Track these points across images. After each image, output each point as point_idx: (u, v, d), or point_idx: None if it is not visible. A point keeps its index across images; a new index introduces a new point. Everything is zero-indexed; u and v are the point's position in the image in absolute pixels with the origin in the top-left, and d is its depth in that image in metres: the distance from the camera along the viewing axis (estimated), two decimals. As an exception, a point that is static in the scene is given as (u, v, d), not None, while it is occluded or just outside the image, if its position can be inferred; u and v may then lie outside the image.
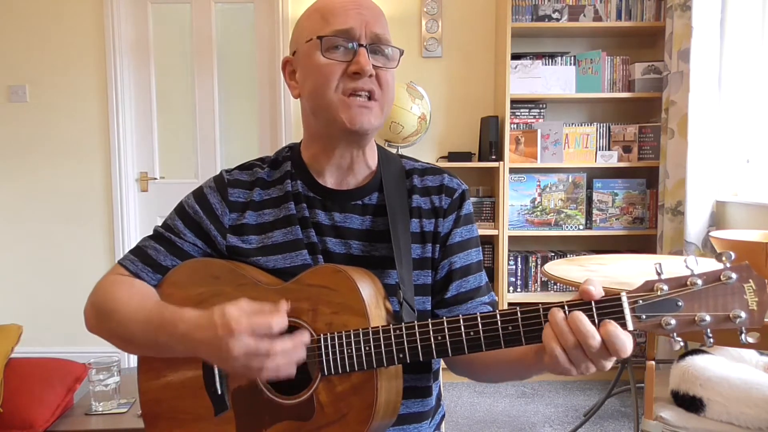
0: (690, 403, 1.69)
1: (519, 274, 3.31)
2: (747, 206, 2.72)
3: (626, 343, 0.71)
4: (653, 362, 1.72)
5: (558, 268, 2.33)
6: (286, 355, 0.81)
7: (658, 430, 1.68)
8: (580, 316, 0.72)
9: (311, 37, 0.95)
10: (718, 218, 2.90)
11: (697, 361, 1.74)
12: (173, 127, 3.62)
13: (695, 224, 2.87)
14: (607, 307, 0.74)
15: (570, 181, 3.27)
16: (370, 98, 0.94)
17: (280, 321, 0.81)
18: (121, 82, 3.45)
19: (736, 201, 2.81)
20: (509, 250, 3.23)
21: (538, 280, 3.31)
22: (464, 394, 3.10)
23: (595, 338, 0.71)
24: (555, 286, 3.30)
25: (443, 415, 1.14)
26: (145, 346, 0.96)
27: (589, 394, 3.09)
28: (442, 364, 1.12)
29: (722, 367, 1.71)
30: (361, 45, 0.93)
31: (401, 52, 0.99)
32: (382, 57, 0.96)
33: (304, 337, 0.84)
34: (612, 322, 0.72)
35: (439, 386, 1.13)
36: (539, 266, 3.29)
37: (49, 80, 3.44)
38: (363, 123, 0.93)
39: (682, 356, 1.80)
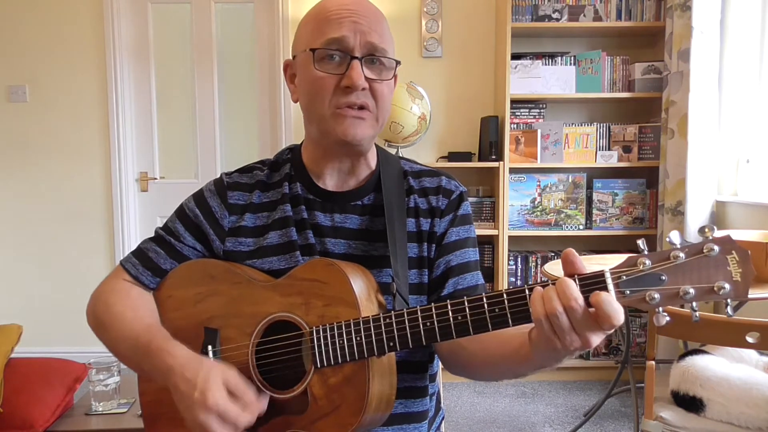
0: (690, 403, 1.69)
1: (519, 274, 3.30)
2: (747, 206, 2.73)
3: (619, 310, 0.70)
4: (653, 362, 1.72)
5: (558, 268, 2.33)
6: None
7: (658, 430, 1.68)
8: (568, 281, 0.72)
9: (306, 48, 0.95)
10: (718, 218, 2.90)
11: (697, 361, 1.74)
12: (173, 127, 3.62)
13: (695, 224, 2.87)
14: (591, 284, 0.73)
15: (570, 181, 3.27)
16: (363, 109, 0.93)
17: (250, 420, 0.84)
18: (121, 82, 3.45)
19: (736, 201, 2.81)
20: (509, 250, 3.23)
21: (538, 280, 3.31)
22: (464, 394, 3.10)
23: (578, 301, 0.70)
24: (555, 286, 3.29)
25: (443, 416, 1.14)
26: (130, 365, 0.99)
27: (589, 394, 3.09)
28: (441, 365, 1.12)
29: (722, 367, 1.71)
30: (354, 57, 0.91)
31: (398, 63, 0.97)
32: (378, 68, 0.94)
33: None
34: (602, 292, 0.71)
35: (439, 389, 1.13)
36: (539, 266, 3.28)
37: (49, 80, 3.45)
38: (356, 134, 0.93)
39: (682, 356, 1.80)
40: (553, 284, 0.74)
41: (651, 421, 1.69)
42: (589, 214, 3.29)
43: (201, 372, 0.84)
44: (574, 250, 0.76)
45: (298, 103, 1.00)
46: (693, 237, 2.87)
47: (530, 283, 0.78)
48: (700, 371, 1.70)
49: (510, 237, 3.22)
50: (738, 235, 2.29)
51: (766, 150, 2.72)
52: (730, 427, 1.63)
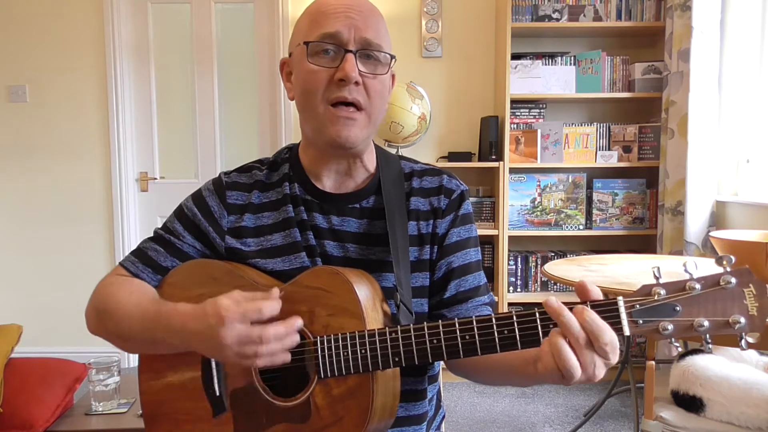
0: (690, 403, 1.69)
1: (519, 274, 3.30)
2: (747, 206, 2.72)
3: (603, 328, 0.70)
4: (653, 362, 1.72)
5: (558, 268, 2.33)
6: (280, 340, 0.81)
7: (658, 430, 1.68)
8: (590, 312, 0.71)
9: (300, 42, 0.94)
10: (718, 218, 2.90)
11: (697, 361, 1.74)
12: (173, 127, 3.62)
13: (695, 224, 2.87)
14: (604, 312, 0.72)
15: (570, 181, 3.27)
16: (356, 108, 0.92)
17: (271, 306, 0.82)
18: (121, 82, 3.45)
19: (736, 201, 2.81)
20: (509, 250, 3.23)
21: (538, 280, 3.31)
22: (464, 394, 3.10)
23: (606, 333, 0.70)
24: (555, 286, 3.30)
25: (443, 416, 1.14)
26: (144, 342, 0.96)
27: (589, 394, 3.09)
28: (442, 365, 1.11)
29: (722, 367, 1.71)
30: (348, 51, 0.91)
31: (392, 58, 0.96)
32: (372, 63, 0.93)
33: (296, 322, 0.84)
34: (585, 308, 0.71)
35: (439, 390, 1.13)
36: (539, 266, 3.28)
37: (49, 80, 3.45)
38: (349, 137, 0.92)
39: (682, 356, 1.80)
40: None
41: (651, 421, 1.69)
42: (589, 214, 3.29)
43: (207, 304, 0.83)
44: (587, 282, 0.75)
45: (293, 100, 0.99)
46: (693, 237, 2.87)
47: (539, 307, 0.76)
48: (700, 371, 1.70)
49: (510, 237, 3.22)
50: (738, 235, 2.29)
51: (766, 150, 2.71)
52: (730, 427, 1.63)
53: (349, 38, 0.91)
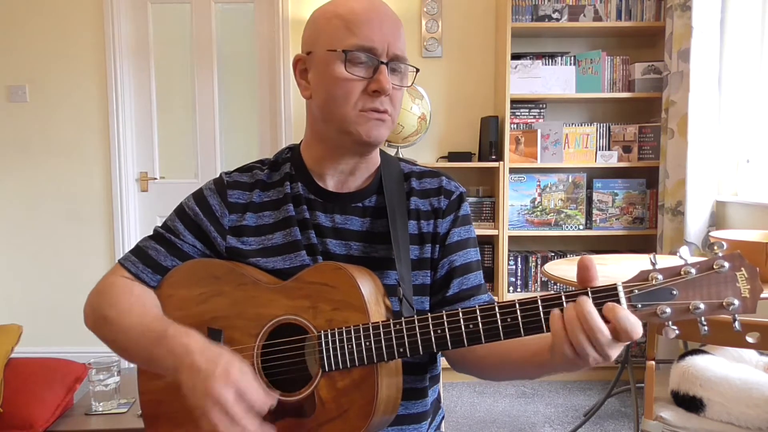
0: (690, 403, 1.69)
1: (519, 274, 3.31)
2: (747, 206, 2.73)
3: (636, 323, 0.72)
4: (653, 362, 1.72)
5: (558, 268, 2.34)
6: None
7: (658, 430, 1.68)
8: (591, 312, 0.73)
9: (335, 48, 0.93)
10: (718, 218, 2.90)
11: (697, 361, 1.74)
12: (173, 127, 3.62)
13: (695, 224, 2.87)
14: (604, 297, 0.75)
15: (570, 181, 3.27)
16: (384, 112, 0.96)
17: (265, 402, 0.82)
18: (121, 82, 3.45)
19: (736, 201, 2.81)
20: (509, 250, 3.23)
21: (538, 280, 3.31)
22: (464, 394, 3.10)
23: (603, 332, 0.72)
24: (555, 286, 3.30)
25: (443, 416, 1.15)
26: (138, 356, 0.96)
27: (589, 394, 3.10)
28: (444, 363, 1.12)
29: (722, 367, 1.71)
30: (382, 62, 0.93)
31: (417, 71, 1.01)
32: (399, 75, 0.97)
33: None
34: (617, 305, 0.73)
35: (439, 390, 1.13)
36: (539, 266, 3.29)
37: (49, 80, 3.45)
38: (378, 136, 0.96)
39: (682, 356, 1.80)
40: (567, 296, 0.75)
41: (651, 421, 1.69)
42: (589, 214, 3.29)
43: (224, 355, 0.84)
44: (590, 257, 0.77)
45: (310, 99, 0.99)
46: (693, 237, 2.87)
47: (540, 292, 0.78)
48: (700, 371, 1.70)
49: (510, 237, 3.22)
50: (738, 235, 2.30)
51: (766, 150, 2.72)
52: (730, 427, 1.63)
53: (383, 51, 0.94)
